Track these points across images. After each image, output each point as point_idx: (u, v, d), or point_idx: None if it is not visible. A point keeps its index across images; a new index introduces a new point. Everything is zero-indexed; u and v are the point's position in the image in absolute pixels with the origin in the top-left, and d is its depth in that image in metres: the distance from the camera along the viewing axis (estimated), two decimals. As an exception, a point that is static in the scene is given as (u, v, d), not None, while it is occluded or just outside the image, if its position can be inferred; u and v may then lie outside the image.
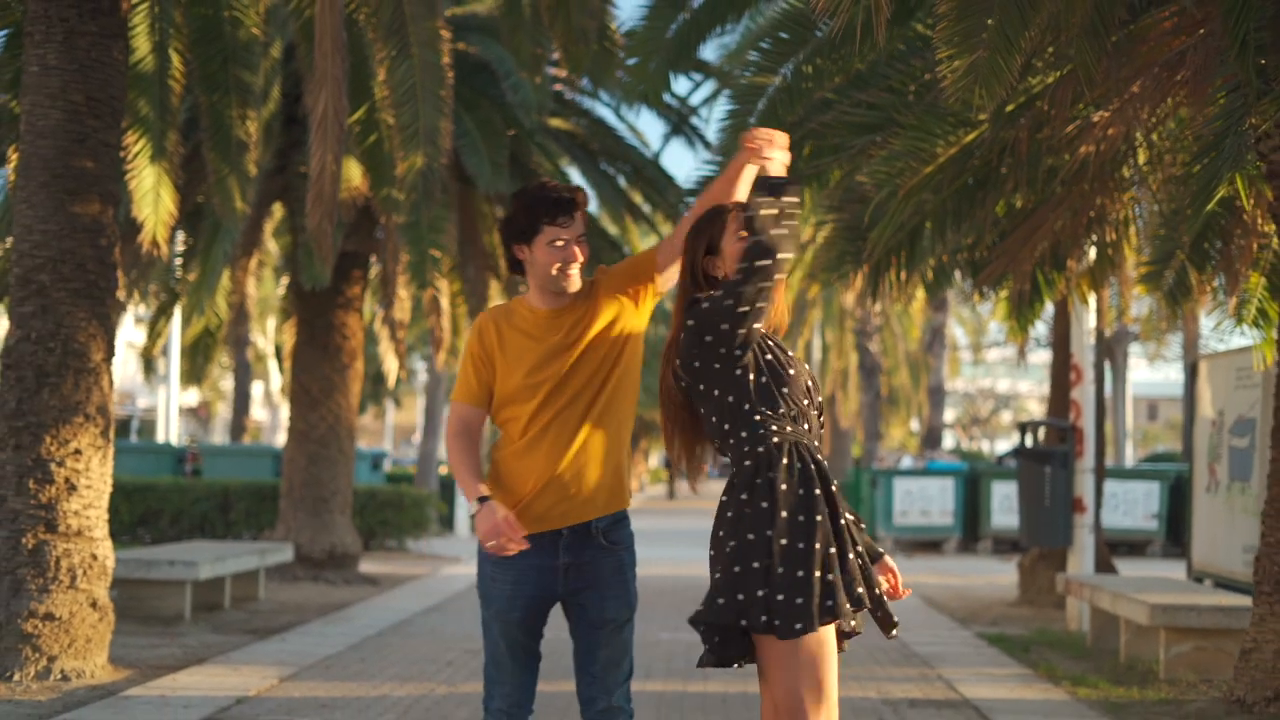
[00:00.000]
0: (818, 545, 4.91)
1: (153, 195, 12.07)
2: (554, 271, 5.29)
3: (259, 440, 63.26)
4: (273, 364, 56.97)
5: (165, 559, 13.48)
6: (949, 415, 77.04)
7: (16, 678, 9.99)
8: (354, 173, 15.40)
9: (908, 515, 27.95)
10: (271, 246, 22.04)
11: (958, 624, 15.41)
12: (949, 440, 71.07)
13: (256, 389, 63.26)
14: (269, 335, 53.07)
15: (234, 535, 22.52)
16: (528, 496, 5.28)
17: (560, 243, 5.27)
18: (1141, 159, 11.72)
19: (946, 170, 9.95)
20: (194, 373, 21.16)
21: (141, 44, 11.87)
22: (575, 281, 5.33)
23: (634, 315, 5.41)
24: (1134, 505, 27.45)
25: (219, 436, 75.33)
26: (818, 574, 4.91)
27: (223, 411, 73.79)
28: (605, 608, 5.38)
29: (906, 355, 49.46)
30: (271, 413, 63.29)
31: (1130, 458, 55.57)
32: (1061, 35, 7.83)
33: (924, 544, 28.36)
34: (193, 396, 64.59)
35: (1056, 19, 7.25)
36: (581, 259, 5.32)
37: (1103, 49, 8.08)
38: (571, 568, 5.32)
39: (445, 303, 18.56)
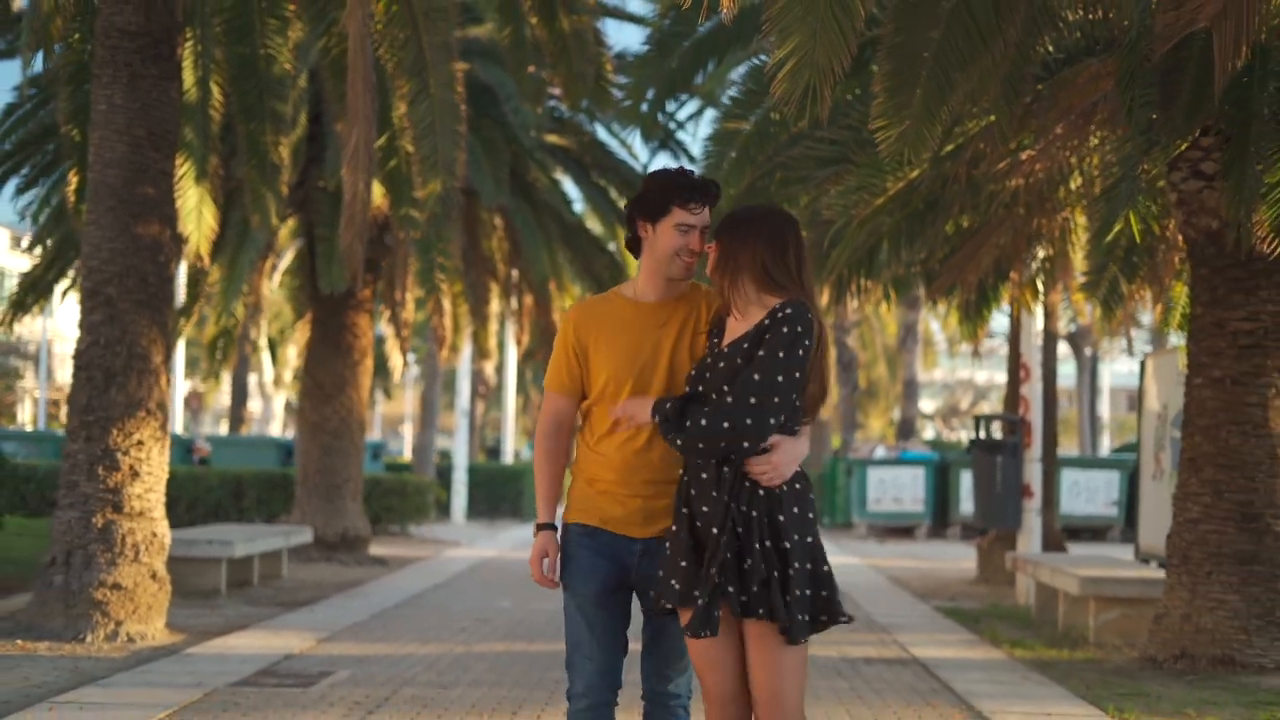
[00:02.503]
0: None
1: (196, 213, 13.60)
2: (673, 253, 5.29)
3: (251, 429, 64.53)
4: (266, 356, 58.36)
5: (204, 539, 14.98)
6: (930, 406, 78.61)
7: (89, 639, 11.48)
8: (375, 193, 16.91)
9: (881, 502, 29.51)
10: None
11: (918, 599, 16.95)
12: (930, 431, 72.60)
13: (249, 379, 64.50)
14: (263, 329, 54.43)
15: (246, 521, 23.95)
16: (610, 499, 5.37)
17: (686, 227, 5.26)
18: (1075, 184, 13.25)
19: (896, 200, 11.48)
20: (213, 369, 22.60)
21: (187, 78, 13.35)
22: (690, 269, 5.37)
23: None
24: (1095, 493, 29.00)
25: (208, 426, 76.87)
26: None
27: (213, 402, 75.28)
28: None
29: (884, 349, 51.07)
30: (265, 403, 64.55)
31: (1106, 448, 57.16)
32: (979, 104, 9.36)
33: (896, 529, 29.91)
34: (184, 386, 65.77)
35: (973, 93, 8.78)
36: (700, 250, 5.33)
37: (1016, 109, 9.64)
38: (646, 553, 5.33)
39: (448, 304, 20.09)
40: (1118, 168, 12.07)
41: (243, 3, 13.61)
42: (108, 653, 11.07)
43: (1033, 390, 17.04)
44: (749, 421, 4.98)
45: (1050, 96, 10.77)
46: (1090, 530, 28.89)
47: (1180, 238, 12.55)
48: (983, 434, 18.14)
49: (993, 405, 66.53)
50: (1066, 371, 61.29)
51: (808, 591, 5.09)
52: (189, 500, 23.95)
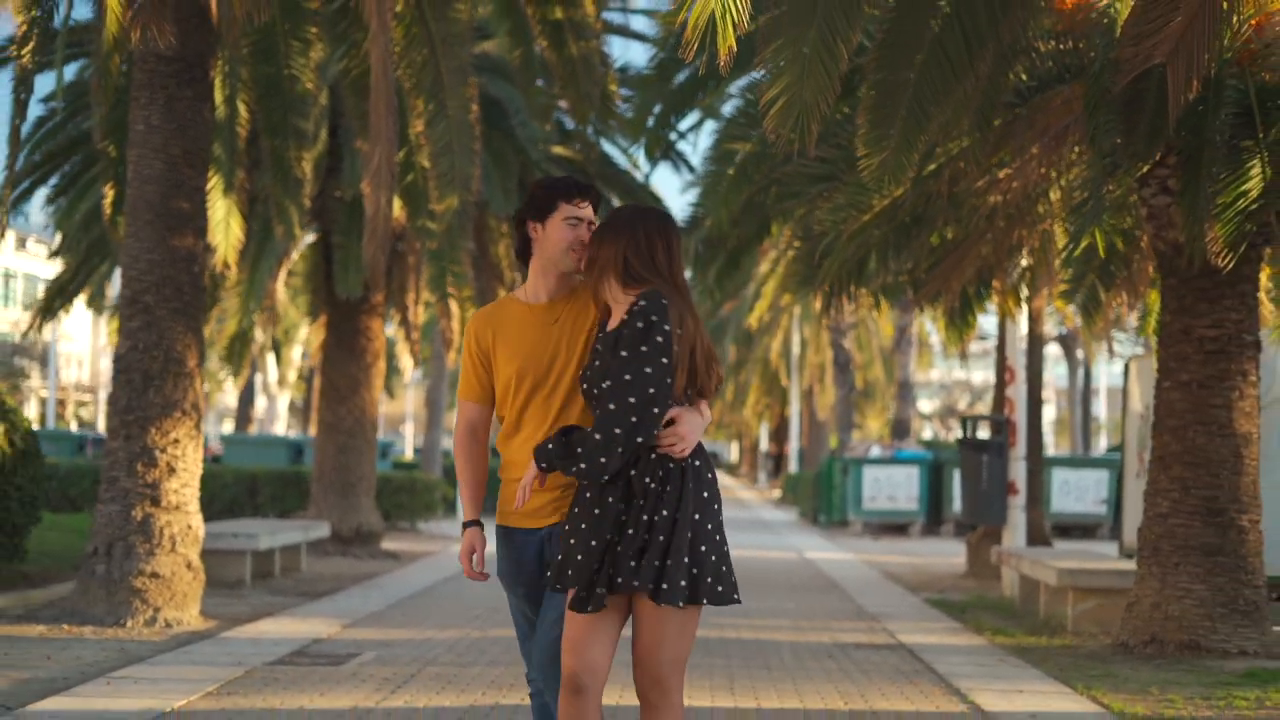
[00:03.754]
0: None
1: (224, 224, 14.43)
2: (566, 247, 5.47)
3: (256, 429, 65.34)
4: (270, 357, 59.17)
5: (230, 532, 15.79)
6: (928, 406, 79.44)
7: (129, 625, 12.29)
8: (394, 205, 17.77)
9: (876, 500, 30.26)
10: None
11: (909, 591, 17.75)
12: (928, 431, 73.42)
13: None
14: (266, 330, 55.21)
15: (260, 516, 24.72)
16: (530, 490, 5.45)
17: (574, 219, 5.46)
18: (1055, 197, 14.04)
19: (882, 215, 12.31)
20: (230, 370, 23.42)
21: (215, 96, 14.14)
22: (581, 262, 5.52)
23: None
24: (1085, 492, 29.75)
25: (211, 424, 77.73)
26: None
27: (217, 401, 76.17)
28: None
29: (880, 350, 51.86)
30: (269, 403, 65.37)
31: (1104, 447, 57.93)
32: (953, 133, 10.17)
33: (891, 527, 30.67)
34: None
35: (947, 124, 9.59)
36: (587, 240, 5.48)
37: (988, 136, 10.47)
38: (551, 538, 5.52)
39: (456, 307, 20.90)
40: (1090, 184, 12.91)
41: (269, 26, 14.41)
42: (148, 636, 11.87)
43: (1018, 392, 17.86)
44: (634, 420, 5.15)
45: (1027, 119, 11.58)
46: (1081, 528, 29.65)
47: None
48: (970, 434, 18.94)
49: (988, 405, 67.28)
50: (1064, 373, 62.10)
51: (685, 560, 5.23)
52: (206, 496, 24.60)
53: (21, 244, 75.78)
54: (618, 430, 5.15)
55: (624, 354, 5.21)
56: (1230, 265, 10.46)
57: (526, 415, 5.50)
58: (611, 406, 5.17)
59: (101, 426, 67.37)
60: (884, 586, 18.38)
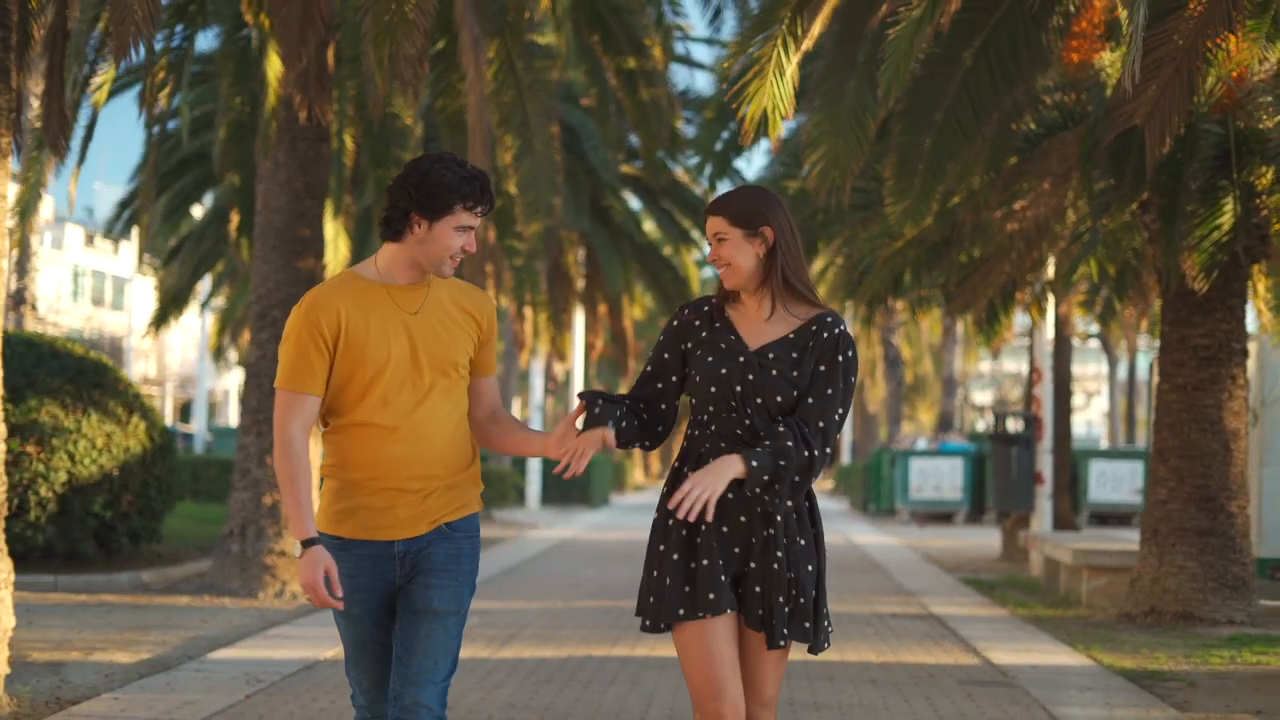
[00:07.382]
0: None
1: (333, 245, 16.35)
2: (447, 257, 4.80)
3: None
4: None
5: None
6: (983, 399, 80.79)
7: (260, 596, 14.21)
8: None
9: (922, 490, 31.97)
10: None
11: (945, 572, 19.51)
12: (981, 424, 74.81)
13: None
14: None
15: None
16: (377, 497, 4.84)
17: (466, 228, 4.79)
18: (1071, 218, 15.79)
19: (913, 241, 14.12)
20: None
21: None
22: (455, 268, 4.94)
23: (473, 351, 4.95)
24: (1121, 482, 31.31)
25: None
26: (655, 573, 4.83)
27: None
28: (430, 596, 4.86)
29: (930, 346, 53.52)
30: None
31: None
32: (967, 177, 11.99)
33: (936, 516, 32.38)
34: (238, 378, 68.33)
35: (962, 173, 11.38)
36: (474, 251, 4.92)
37: (997, 184, 12.31)
38: (409, 554, 4.88)
39: (530, 313, 22.83)
40: (1087, 220, 14.67)
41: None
42: (279, 606, 13.78)
43: (1044, 390, 19.62)
44: (828, 450, 4.65)
45: (1038, 160, 13.36)
46: (1117, 517, 31.20)
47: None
48: (1000, 428, 20.71)
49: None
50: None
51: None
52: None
53: (90, 241, 77.50)
54: (826, 451, 4.63)
55: (830, 391, 4.67)
56: (1205, 289, 12.17)
57: (385, 409, 4.78)
58: (822, 424, 4.62)
59: (170, 419, 69.55)
60: (923, 568, 20.13)
